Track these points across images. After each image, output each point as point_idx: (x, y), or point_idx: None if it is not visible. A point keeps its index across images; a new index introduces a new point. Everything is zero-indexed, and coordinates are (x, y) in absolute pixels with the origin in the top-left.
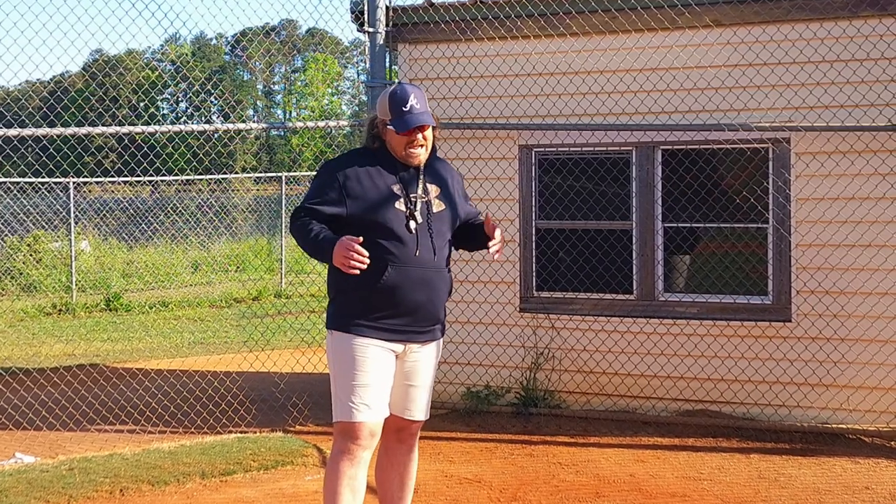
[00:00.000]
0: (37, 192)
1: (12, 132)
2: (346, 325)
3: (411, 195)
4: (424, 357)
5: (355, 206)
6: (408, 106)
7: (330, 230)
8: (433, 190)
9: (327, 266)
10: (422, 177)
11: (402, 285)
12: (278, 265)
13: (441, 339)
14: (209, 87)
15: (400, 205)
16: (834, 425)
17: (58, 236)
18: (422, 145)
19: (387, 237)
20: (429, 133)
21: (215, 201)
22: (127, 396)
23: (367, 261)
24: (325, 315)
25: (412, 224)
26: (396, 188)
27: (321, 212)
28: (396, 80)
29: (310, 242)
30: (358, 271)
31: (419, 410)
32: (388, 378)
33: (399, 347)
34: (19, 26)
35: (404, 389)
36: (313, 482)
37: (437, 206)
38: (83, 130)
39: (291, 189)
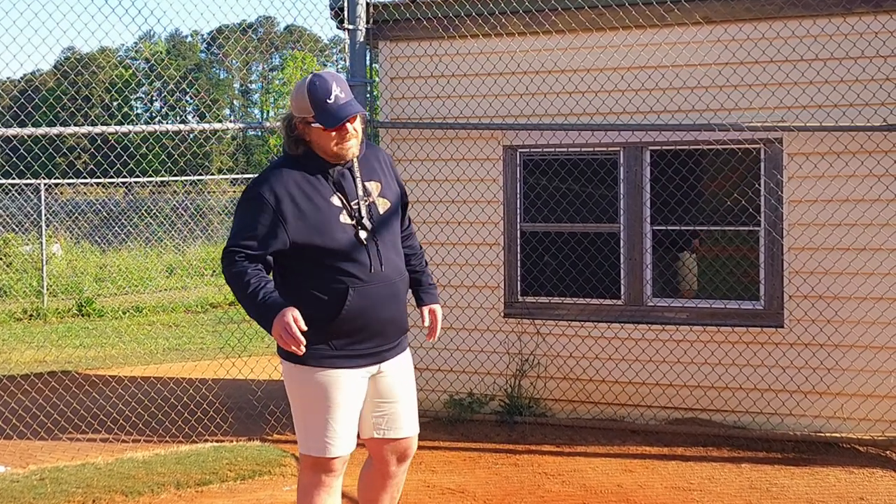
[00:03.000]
0: (6, 193)
1: None
2: (311, 357)
3: (352, 202)
4: (400, 371)
5: (296, 232)
6: (332, 97)
7: (272, 263)
8: (374, 188)
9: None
10: (358, 176)
11: (366, 306)
12: None
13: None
14: (184, 85)
15: (345, 217)
16: (827, 434)
17: (28, 239)
18: (354, 137)
19: (340, 258)
20: (358, 123)
21: (191, 203)
22: (100, 404)
23: (304, 349)
24: None
25: (362, 235)
26: (335, 199)
27: (258, 250)
28: (377, 79)
29: (247, 301)
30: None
31: (410, 426)
32: (359, 403)
33: (373, 369)
34: None
35: (389, 408)
36: (291, 493)
37: (383, 205)
38: (54, 130)
39: None
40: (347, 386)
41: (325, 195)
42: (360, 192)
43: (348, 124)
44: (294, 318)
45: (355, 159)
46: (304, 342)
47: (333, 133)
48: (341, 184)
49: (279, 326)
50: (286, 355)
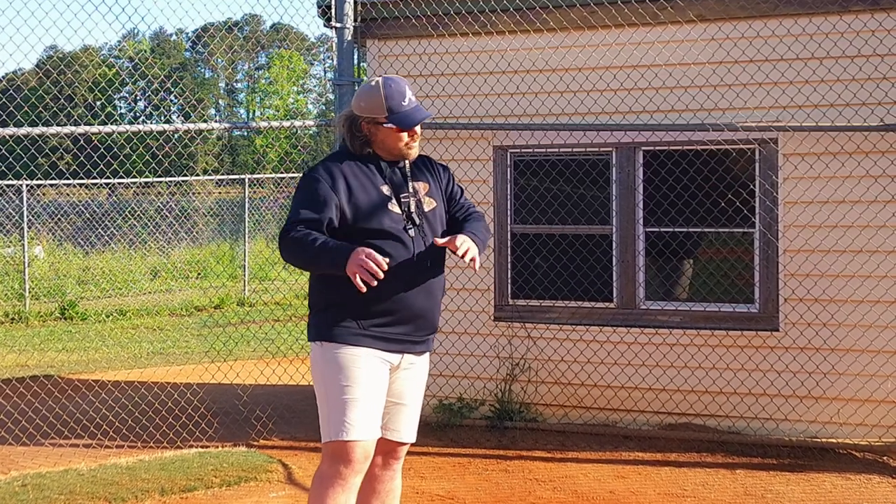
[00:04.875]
0: None
1: None
2: (338, 334)
3: (402, 196)
4: (415, 373)
5: (348, 211)
6: (406, 100)
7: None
8: (421, 187)
9: (310, 276)
10: (409, 174)
11: (401, 290)
12: (241, 272)
13: (428, 354)
14: (169, 85)
15: (393, 206)
16: (823, 439)
17: (10, 241)
18: (419, 138)
19: (382, 241)
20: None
21: (175, 205)
22: (83, 409)
23: (382, 274)
24: (289, 324)
25: (409, 226)
26: (386, 189)
27: (316, 217)
28: (365, 78)
29: (316, 253)
30: (365, 286)
31: (407, 432)
32: (382, 393)
33: (395, 359)
34: None
35: (392, 408)
36: (278, 500)
37: (428, 203)
38: (37, 130)
39: (255, 192)
40: (370, 367)
41: (377, 183)
42: (410, 189)
43: (417, 127)
44: (372, 251)
45: (407, 161)
46: (384, 271)
47: (404, 134)
48: (392, 177)
49: (357, 259)
50: (318, 335)
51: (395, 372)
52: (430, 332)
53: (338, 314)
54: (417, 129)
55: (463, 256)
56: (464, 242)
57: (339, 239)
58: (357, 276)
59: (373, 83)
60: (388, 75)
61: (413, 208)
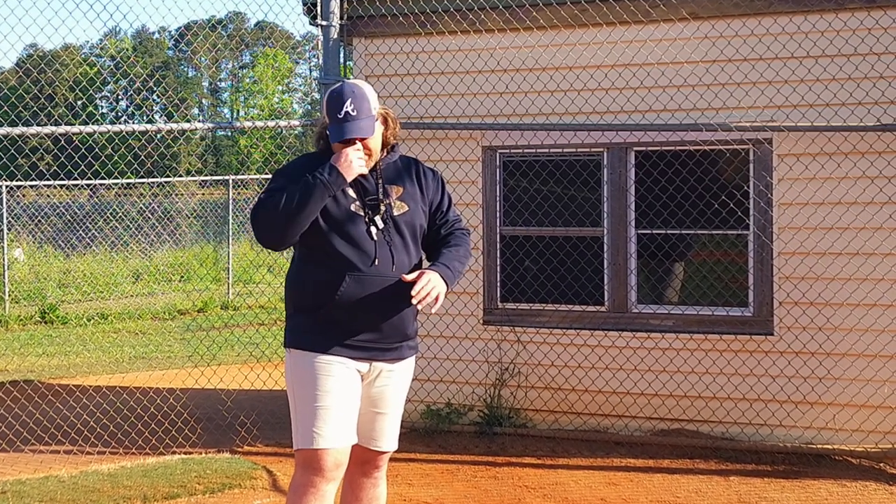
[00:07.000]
0: None
1: None
2: (305, 342)
3: (368, 199)
4: (394, 381)
5: None
6: (342, 112)
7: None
8: (394, 190)
9: (284, 282)
10: (380, 178)
11: (362, 296)
12: (225, 275)
13: (412, 360)
14: (151, 84)
15: (357, 209)
16: (819, 446)
17: None
18: (367, 155)
19: (344, 244)
20: (373, 141)
21: (158, 206)
22: (63, 415)
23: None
24: (274, 328)
25: (373, 230)
26: (351, 191)
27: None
28: (351, 77)
29: (298, 192)
30: (365, 168)
31: (387, 440)
32: (354, 400)
33: (364, 367)
34: None
35: (370, 417)
36: None
37: (399, 207)
38: (17, 131)
39: (239, 193)
40: (338, 375)
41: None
42: (380, 192)
43: (355, 143)
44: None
45: (380, 164)
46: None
47: (339, 145)
48: (359, 180)
49: (339, 157)
50: (289, 342)
51: (373, 380)
52: (399, 340)
53: (305, 320)
54: (369, 143)
55: (419, 302)
56: (426, 285)
57: (301, 240)
58: (351, 164)
59: (331, 88)
60: (347, 81)
61: (380, 212)
